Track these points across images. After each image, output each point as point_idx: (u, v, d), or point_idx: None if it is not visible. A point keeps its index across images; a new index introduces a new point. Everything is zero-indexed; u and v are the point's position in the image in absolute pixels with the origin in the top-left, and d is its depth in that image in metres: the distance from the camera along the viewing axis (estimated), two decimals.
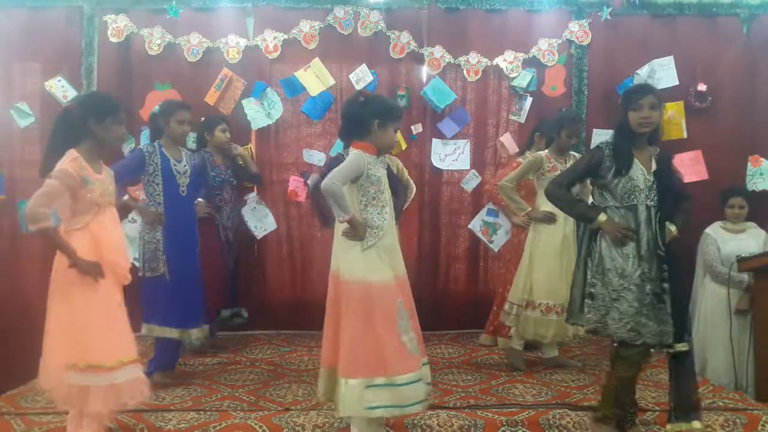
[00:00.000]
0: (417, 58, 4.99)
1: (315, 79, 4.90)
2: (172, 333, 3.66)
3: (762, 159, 4.87)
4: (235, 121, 4.81)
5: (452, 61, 4.94)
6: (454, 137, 5.02)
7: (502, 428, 3.10)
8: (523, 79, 4.94)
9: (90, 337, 2.65)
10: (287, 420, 3.11)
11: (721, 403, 3.42)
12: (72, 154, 2.71)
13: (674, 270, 2.93)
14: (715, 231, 4.44)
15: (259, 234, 4.90)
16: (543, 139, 4.31)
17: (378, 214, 2.80)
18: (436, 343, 4.69)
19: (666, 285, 2.89)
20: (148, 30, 4.84)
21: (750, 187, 4.82)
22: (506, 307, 4.11)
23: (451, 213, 5.14)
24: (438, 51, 4.92)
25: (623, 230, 2.90)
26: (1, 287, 4.78)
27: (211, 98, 4.85)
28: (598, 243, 2.97)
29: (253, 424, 3.08)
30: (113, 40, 4.85)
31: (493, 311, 4.57)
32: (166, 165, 3.66)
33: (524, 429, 3.10)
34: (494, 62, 4.94)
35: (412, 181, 4.39)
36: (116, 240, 2.83)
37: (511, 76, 4.95)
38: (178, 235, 3.68)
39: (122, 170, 3.57)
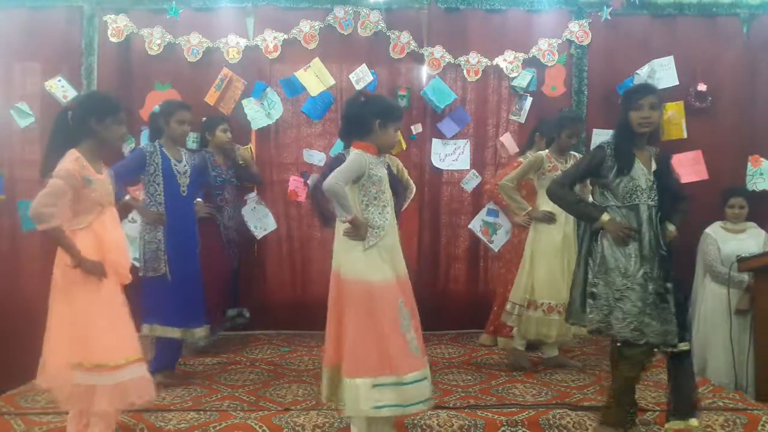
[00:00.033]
0: (417, 58, 4.99)
1: (315, 79, 4.89)
2: (173, 333, 3.66)
3: (762, 159, 4.87)
4: (235, 121, 4.81)
5: (452, 61, 4.94)
6: (454, 137, 5.02)
7: (502, 428, 3.10)
8: (523, 79, 4.94)
9: (95, 337, 2.65)
10: (287, 420, 3.11)
11: (721, 403, 3.42)
12: (73, 154, 2.71)
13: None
14: (715, 231, 4.44)
15: (259, 234, 4.89)
16: (543, 139, 4.31)
17: (379, 213, 2.80)
18: (436, 343, 4.69)
19: (669, 285, 2.90)
20: (148, 30, 4.84)
21: (750, 187, 4.81)
22: (508, 307, 4.11)
23: (451, 213, 5.14)
24: (438, 51, 4.92)
25: (626, 230, 2.90)
26: (1, 287, 4.78)
27: (211, 98, 4.85)
28: (599, 243, 2.98)
29: (253, 424, 3.08)
30: (113, 40, 4.85)
31: (494, 311, 4.57)
32: (166, 165, 3.66)
33: (524, 429, 3.11)
34: (494, 62, 4.94)
35: (411, 182, 4.39)
36: (117, 240, 2.83)
37: (511, 76, 4.95)
38: (178, 235, 3.68)
39: (123, 170, 3.58)
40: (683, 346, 2.91)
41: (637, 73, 4.86)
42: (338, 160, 3.38)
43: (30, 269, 4.77)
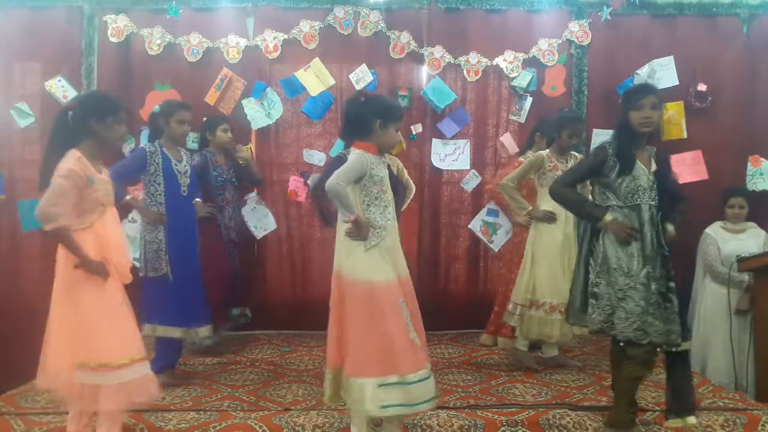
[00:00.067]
0: (417, 58, 4.99)
1: (315, 79, 4.89)
2: (175, 332, 3.67)
3: (762, 159, 4.87)
4: (235, 121, 4.81)
5: (452, 61, 4.94)
6: (454, 137, 5.02)
7: (502, 428, 3.10)
8: (523, 79, 4.94)
9: (99, 336, 2.66)
10: (287, 420, 3.11)
11: (721, 403, 3.42)
12: (75, 153, 2.71)
13: None
14: (715, 231, 4.44)
15: (259, 234, 4.89)
16: (544, 138, 4.30)
17: (381, 214, 2.80)
18: (436, 343, 4.68)
19: (672, 284, 2.91)
20: (148, 30, 4.84)
21: (750, 187, 4.81)
22: (510, 307, 4.10)
23: (451, 213, 5.14)
24: (438, 51, 4.92)
25: (629, 230, 2.90)
26: (1, 287, 4.78)
27: (211, 98, 4.85)
28: (600, 242, 2.97)
29: (253, 424, 3.08)
30: (113, 40, 4.85)
31: (495, 311, 4.57)
32: (167, 165, 3.66)
33: (524, 429, 3.11)
34: (494, 62, 4.94)
35: (411, 182, 4.39)
36: (118, 240, 2.84)
37: (511, 76, 4.95)
38: (179, 235, 3.68)
39: (124, 170, 3.59)
40: (686, 345, 2.91)
41: (637, 73, 4.86)
42: (339, 160, 3.37)
43: (30, 269, 4.77)
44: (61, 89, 4.80)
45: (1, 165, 4.89)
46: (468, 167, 5.02)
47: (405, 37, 4.91)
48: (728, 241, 4.37)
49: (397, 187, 3.96)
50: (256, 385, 3.80)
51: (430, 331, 4.54)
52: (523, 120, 4.99)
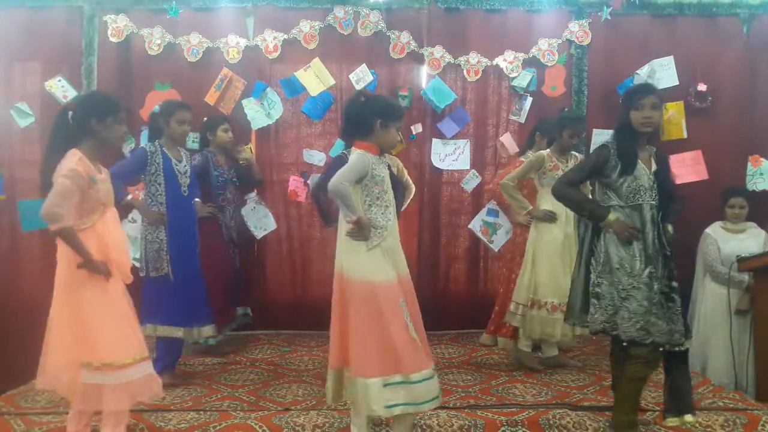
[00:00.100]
0: (417, 58, 4.99)
1: (315, 79, 4.89)
2: (176, 332, 3.67)
3: (762, 159, 4.87)
4: (235, 121, 4.80)
5: (452, 61, 4.94)
6: (454, 137, 5.02)
7: (502, 428, 3.10)
8: (523, 79, 4.94)
9: (102, 336, 2.66)
10: (287, 420, 3.11)
11: (721, 403, 3.42)
12: (76, 153, 2.71)
13: None
14: (715, 231, 4.44)
15: (258, 234, 4.89)
16: (544, 138, 4.30)
17: (382, 214, 2.80)
18: (436, 343, 4.68)
19: (675, 284, 2.91)
20: (148, 30, 4.84)
21: (750, 187, 4.81)
22: (512, 307, 4.10)
23: (451, 213, 5.14)
24: (438, 51, 4.92)
25: (631, 230, 2.90)
26: (1, 287, 4.79)
27: (211, 98, 4.85)
28: (601, 242, 2.97)
29: (253, 424, 3.08)
30: (113, 40, 4.85)
31: (495, 311, 4.56)
32: (168, 165, 3.66)
33: (524, 429, 3.10)
34: (494, 62, 4.94)
35: (411, 182, 4.40)
36: (119, 240, 2.84)
37: (511, 76, 4.95)
38: (179, 234, 3.68)
39: (124, 170, 3.59)
40: (687, 344, 2.92)
41: (637, 73, 4.86)
42: (340, 161, 3.37)
43: (30, 269, 4.77)
44: (61, 89, 4.80)
45: (1, 165, 4.89)
46: (468, 167, 5.02)
47: (405, 37, 4.91)
48: (728, 241, 4.37)
49: (397, 187, 3.96)
50: (256, 385, 3.80)
51: (430, 331, 4.54)
52: (523, 120, 4.99)
